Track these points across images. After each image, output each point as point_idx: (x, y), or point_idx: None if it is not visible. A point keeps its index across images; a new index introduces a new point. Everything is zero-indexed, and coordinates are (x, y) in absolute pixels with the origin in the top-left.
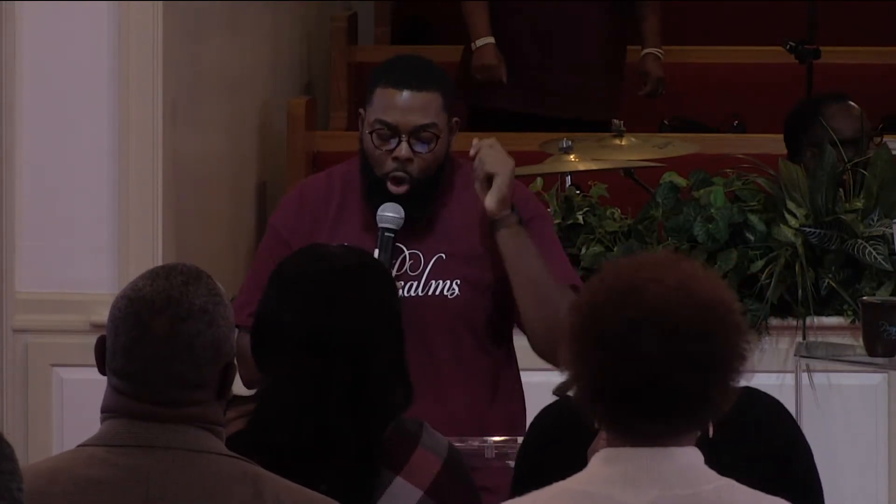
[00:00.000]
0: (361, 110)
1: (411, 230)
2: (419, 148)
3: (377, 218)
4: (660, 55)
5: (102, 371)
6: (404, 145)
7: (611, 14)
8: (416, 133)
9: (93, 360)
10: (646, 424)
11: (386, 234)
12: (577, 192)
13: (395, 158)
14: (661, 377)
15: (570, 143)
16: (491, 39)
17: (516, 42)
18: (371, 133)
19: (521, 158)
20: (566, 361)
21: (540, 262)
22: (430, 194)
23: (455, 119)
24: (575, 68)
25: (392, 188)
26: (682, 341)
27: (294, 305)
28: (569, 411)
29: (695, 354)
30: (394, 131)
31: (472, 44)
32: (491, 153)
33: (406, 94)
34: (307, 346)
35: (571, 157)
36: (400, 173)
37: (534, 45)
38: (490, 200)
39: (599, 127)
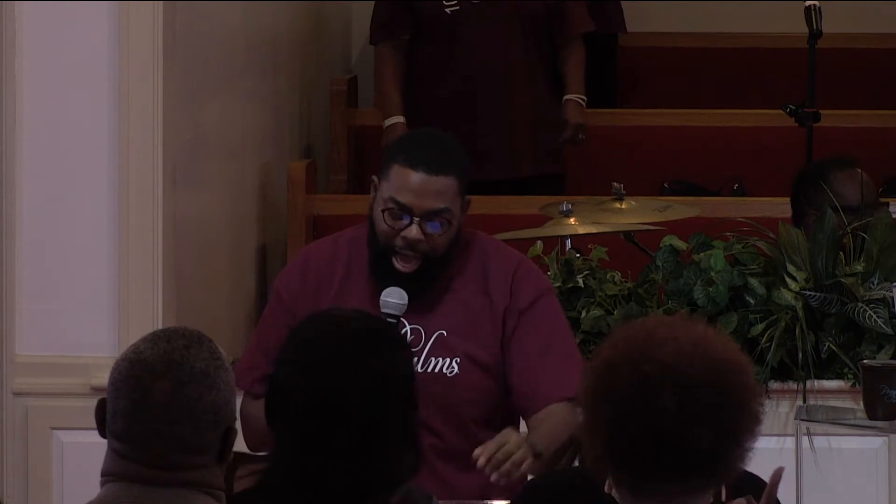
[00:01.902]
0: (375, 178)
1: (413, 306)
2: (431, 230)
3: (381, 303)
4: (581, 101)
5: (103, 434)
6: (415, 228)
7: (536, 72)
8: (428, 217)
9: (93, 424)
10: (659, 483)
11: (388, 319)
12: (578, 255)
13: (405, 238)
14: (675, 433)
15: (570, 206)
16: (401, 119)
17: (443, 109)
18: (384, 211)
19: (521, 222)
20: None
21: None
22: (436, 274)
23: (468, 198)
24: (499, 129)
25: (400, 265)
26: (698, 396)
27: (305, 369)
28: (550, 488)
29: (710, 410)
30: (407, 212)
31: (383, 123)
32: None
33: (423, 176)
34: (315, 410)
35: (571, 220)
36: (409, 252)
37: (460, 110)
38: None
39: (532, 184)
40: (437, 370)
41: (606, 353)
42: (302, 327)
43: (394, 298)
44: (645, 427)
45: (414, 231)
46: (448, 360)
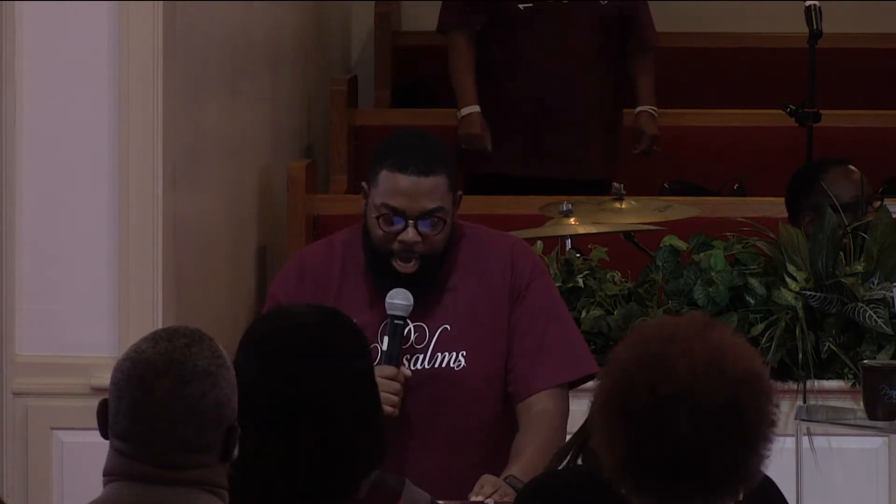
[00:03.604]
0: (364, 184)
1: (416, 303)
2: (426, 230)
3: (386, 305)
4: (654, 113)
5: (105, 435)
6: (411, 230)
7: (606, 74)
8: (422, 217)
9: (93, 424)
10: (678, 498)
11: (396, 321)
12: (578, 255)
13: (402, 241)
14: (693, 454)
15: (570, 206)
16: (476, 108)
17: (513, 105)
18: (378, 217)
19: (521, 222)
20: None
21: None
22: (436, 272)
23: (459, 193)
24: (572, 130)
25: (399, 266)
26: (714, 419)
27: (257, 367)
28: (554, 487)
29: (726, 431)
30: (400, 216)
31: (458, 112)
32: None
33: (412, 179)
34: (271, 407)
35: (571, 220)
36: (407, 254)
37: (531, 108)
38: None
39: (598, 186)
40: (444, 365)
41: (621, 366)
42: (253, 325)
43: (399, 300)
44: (662, 451)
45: (410, 234)
46: (454, 354)
